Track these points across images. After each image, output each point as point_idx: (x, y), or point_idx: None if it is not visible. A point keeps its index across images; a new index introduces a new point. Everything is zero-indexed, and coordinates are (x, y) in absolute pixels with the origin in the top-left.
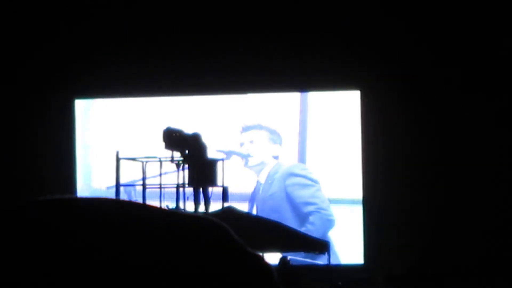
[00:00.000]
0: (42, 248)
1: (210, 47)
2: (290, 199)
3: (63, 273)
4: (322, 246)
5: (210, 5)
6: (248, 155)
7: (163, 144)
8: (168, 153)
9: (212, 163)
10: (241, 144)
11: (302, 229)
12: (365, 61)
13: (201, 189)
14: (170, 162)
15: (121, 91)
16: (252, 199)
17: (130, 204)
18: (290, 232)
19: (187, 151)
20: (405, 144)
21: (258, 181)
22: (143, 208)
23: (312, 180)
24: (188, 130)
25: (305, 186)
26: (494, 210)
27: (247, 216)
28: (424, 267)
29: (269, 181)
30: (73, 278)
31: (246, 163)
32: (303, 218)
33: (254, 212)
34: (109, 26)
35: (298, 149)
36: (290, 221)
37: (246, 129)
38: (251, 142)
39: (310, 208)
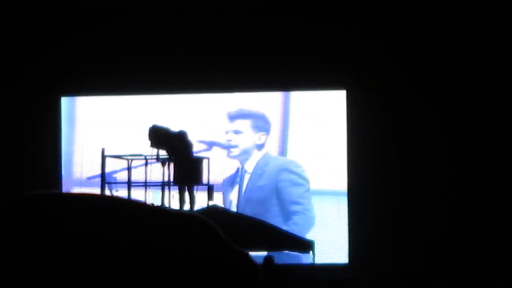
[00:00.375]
0: (35, 240)
1: (196, 45)
2: (279, 194)
3: (57, 264)
4: (306, 245)
5: (197, 4)
6: (231, 146)
7: (149, 141)
8: (154, 151)
9: (198, 162)
10: (226, 132)
11: (284, 227)
12: (351, 61)
13: (186, 187)
14: (155, 160)
15: (107, 89)
16: (232, 184)
17: (120, 200)
18: (275, 231)
19: (172, 149)
20: (391, 143)
21: (244, 169)
22: (132, 203)
23: (304, 179)
24: (174, 128)
25: (297, 184)
26: (482, 207)
27: (232, 214)
28: (410, 267)
29: (258, 172)
30: (67, 269)
31: (229, 154)
32: (287, 215)
33: (237, 201)
34: (95, 24)
35: (279, 139)
36: (275, 215)
37: (231, 118)
38: (236, 132)
39: (296, 208)
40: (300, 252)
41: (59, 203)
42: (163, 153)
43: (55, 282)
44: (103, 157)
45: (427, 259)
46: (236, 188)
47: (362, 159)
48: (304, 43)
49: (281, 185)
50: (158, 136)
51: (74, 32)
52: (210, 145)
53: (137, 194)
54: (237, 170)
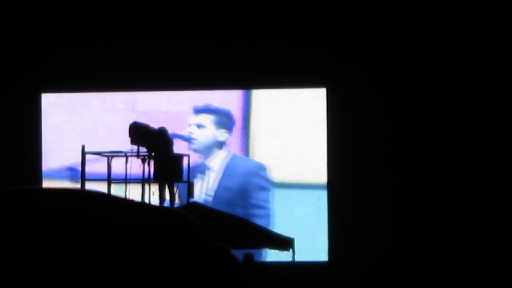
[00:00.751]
0: (11, 236)
1: (176, 42)
2: (247, 197)
3: (29, 260)
4: (286, 243)
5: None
6: (192, 138)
7: (129, 139)
8: (134, 148)
9: (178, 159)
10: (189, 125)
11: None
12: (332, 58)
13: (166, 184)
14: (136, 157)
15: (87, 85)
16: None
17: (99, 195)
18: (255, 229)
19: (152, 146)
20: (371, 141)
21: (207, 166)
22: (113, 199)
23: (271, 184)
24: (154, 125)
25: (264, 189)
26: (460, 204)
27: (212, 211)
28: (388, 265)
29: (228, 173)
30: (39, 265)
31: (189, 146)
32: (251, 218)
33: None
34: (75, 20)
35: (240, 141)
36: (239, 214)
37: (196, 111)
38: (198, 126)
39: (261, 212)
40: (280, 250)
41: (30, 200)
42: (143, 150)
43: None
44: (83, 154)
45: (407, 256)
46: (199, 183)
47: (342, 156)
48: (285, 41)
49: (250, 189)
50: (138, 133)
51: (55, 29)
52: (172, 136)
53: (117, 191)
54: (200, 164)
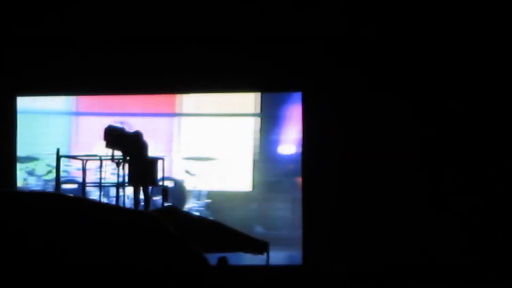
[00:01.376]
0: None
1: (148, 47)
2: None
3: (7, 258)
4: (261, 246)
5: (145, 5)
6: None
7: (104, 142)
8: (109, 151)
9: (153, 162)
10: None
11: None
12: (308, 63)
13: (141, 188)
14: (110, 161)
15: (63, 89)
16: None
17: (71, 198)
18: (230, 232)
19: (127, 150)
20: (346, 144)
21: None
22: (84, 201)
23: None
24: (130, 128)
25: None
26: (432, 207)
27: (188, 215)
28: (362, 268)
29: None
30: (12, 266)
31: None
32: None
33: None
34: (51, 23)
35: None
36: None
37: None
38: None
39: None
40: (254, 253)
41: (2, 202)
42: (118, 153)
43: None
44: (58, 157)
45: (382, 260)
46: None
47: (317, 160)
48: (260, 45)
49: None
50: (114, 136)
51: (30, 32)
52: None
53: (92, 194)
54: None
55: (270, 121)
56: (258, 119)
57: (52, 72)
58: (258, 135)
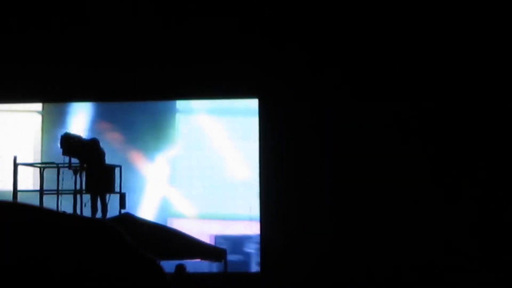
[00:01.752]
0: None
1: (114, 53)
2: None
3: None
4: (218, 253)
5: (115, 13)
6: None
7: (61, 149)
8: (66, 158)
9: (110, 170)
10: None
11: None
12: (264, 68)
13: (98, 195)
14: (68, 168)
15: (21, 96)
16: None
17: (27, 206)
18: (187, 240)
19: (84, 157)
20: (303, 150)
21: None
22: (39, 210)
23: None
24: (86, 136)
25: None
26: (397, 208)
27: (144, 222)
28: (321, 275)
29: None
30: None
31: None
32: None
33: None
34: (14, 29)
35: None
36: None
37: None
38: None
39: None
40: (212, 261)
41: None
42: (75, 161)
43: None
44: (15, 165)
45: (343, 267)
46: None
47: (274, 167)
48: (216, 50)
49: None
50: (70, 144)
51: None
52: None
53: (49, 203)
54: None
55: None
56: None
57: (11, 80)
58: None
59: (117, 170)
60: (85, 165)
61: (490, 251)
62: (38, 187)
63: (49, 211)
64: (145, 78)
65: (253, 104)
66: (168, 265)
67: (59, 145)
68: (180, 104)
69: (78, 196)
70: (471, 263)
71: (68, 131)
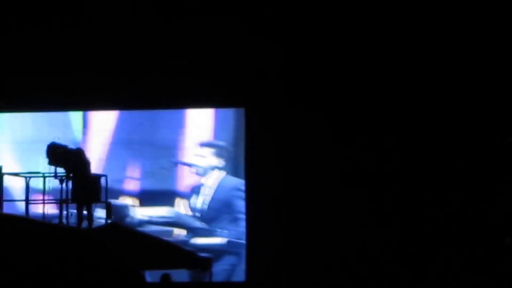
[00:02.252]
0: None
1: (93, 62)
2: (231, 205)
3: None
4: (204, 263)
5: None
6: (196, 165)
7: (47, 159)
8: (52, 168)
9: (96, 179)
10: (196, 155)
11: (232, 227)
12: (250, 80)
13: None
14: (53, 178)
15: (6, 106)
16: (193, 193)
17: (10, 216)
18: (173, 249)
19: (70, 167)
20: (288, 158)
21: (204, 184)
22: (23, 220)
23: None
24: (72, 145)
25: (242, 199)
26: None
27: (132, 232)
28: (305, 284)
29: (220, 188)
30: None
31: (194, 171)
32: (234, 219)
33: (200, 206)
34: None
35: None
36: (225, 218)
37: (202, 145)
38: (202, 156)
39: (240, 215)
40: (197, 270)
41: None
42: (61, 171)
43: None
44: (1, 175)
45: (324, 275)
46: (195, 196)
47: (260, 176)
48: (204, 62)
49: (233, 199)
50: (56, 154)
51: None
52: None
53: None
54: (199, 183)
55: None
56: None
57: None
58: None
59: (103, 180)
60: (71, 175)
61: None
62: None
63: (33, 221)
64: (131, 87)
65: None
66: (156, 275)
67: (46, 155)
68: None
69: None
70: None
71: (55, 141)
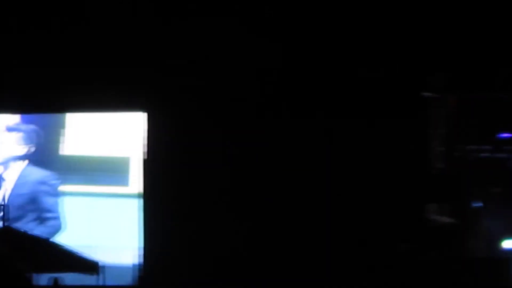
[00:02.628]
0: None
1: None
2: (36, 202)
3: None
4: (90, 266)
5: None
6: None
7: None
8: None
9: None
10: None
11: (40, 230)
12: (152, 84)
13: None
14: None
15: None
16: None
17: None
18: (62, 252)
19: None
20: (191, 166)
21: (2, 178)
22: None
23: (58, 191)
24: None
25: (51, 195)
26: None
27: (24, 235)
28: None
29: (21, 181)
30: None
31: None
32: (43, 220)
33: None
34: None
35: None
36: (31, 219)
37: (8, 129)
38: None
39: (49, 215)
40: (84, 273)
41: None
42: None
43: None
44: None
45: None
46: None
47: (159, 182)
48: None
49: (38, 195)
50: None
51: None
52: None
53: None
54: None
55: None
56: None
57: None
58: None
59: None
60: None
61: None
62: None
63: None
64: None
65: None
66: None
67: None
68: None
69: None
70: None
71: None
